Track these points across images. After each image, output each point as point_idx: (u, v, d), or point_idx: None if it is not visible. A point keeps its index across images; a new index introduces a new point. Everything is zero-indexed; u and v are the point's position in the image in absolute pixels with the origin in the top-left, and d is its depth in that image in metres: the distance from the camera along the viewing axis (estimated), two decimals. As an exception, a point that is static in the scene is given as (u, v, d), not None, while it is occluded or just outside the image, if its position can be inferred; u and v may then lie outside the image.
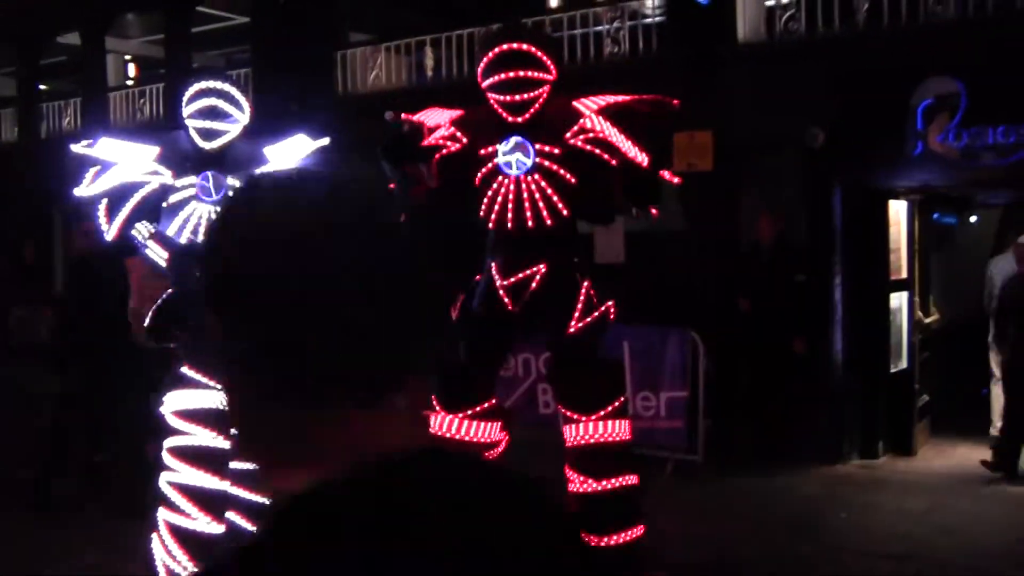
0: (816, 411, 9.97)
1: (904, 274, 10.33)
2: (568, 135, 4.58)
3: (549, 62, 4.68)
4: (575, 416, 4.57)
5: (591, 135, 4.55)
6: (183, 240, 5.74)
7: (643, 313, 10.86)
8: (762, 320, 9.84)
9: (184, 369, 5.66)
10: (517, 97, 4.63)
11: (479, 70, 4.80)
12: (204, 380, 5.63)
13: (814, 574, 6.61)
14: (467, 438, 4.61)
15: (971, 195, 11.67)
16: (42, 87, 22.12)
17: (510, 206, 4.63)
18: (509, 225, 4.61)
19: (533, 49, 4.63)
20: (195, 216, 5.76)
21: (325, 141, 6.04)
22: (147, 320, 5.73)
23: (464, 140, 4.79)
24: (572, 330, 4.70)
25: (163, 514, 5.57)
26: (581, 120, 4.59)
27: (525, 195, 4.58)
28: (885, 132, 9.55)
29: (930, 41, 9.83)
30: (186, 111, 5.80)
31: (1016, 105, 8.95)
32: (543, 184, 4.54)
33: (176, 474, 5.56)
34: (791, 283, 9.89)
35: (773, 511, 8.12)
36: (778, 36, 11.06)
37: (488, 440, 4.64)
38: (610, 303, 4.74)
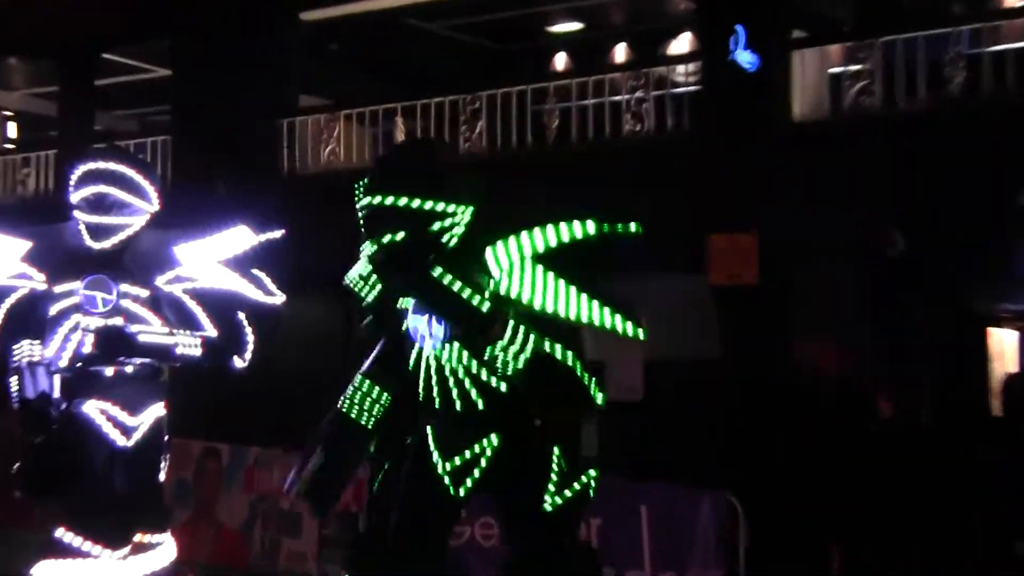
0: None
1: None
2: None
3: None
4: None
5: None
6: (63, 362, 5.57)
7: (666, 467, 10.67)
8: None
9: (60, 533, 5.61)
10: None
11: None
12: (86, 548, 5.60)
13: None
14: None
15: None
16: None
17: None
18: None
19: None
20: (78, 334, 5.59)
21: (276, 234, 5.88)
22: (15, 470, 5.58)
23: None
24: (548, 507, 4.73)
25: None
26: None
27: None
28: (983, 236, 9.46)
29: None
30: (72, 199, 5.72)
31: None
32: None
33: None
34: (861, 432, 9.71)
35: None
36: (845, 112, 11.03)
37: None
38: (592, 472, 4.76)
